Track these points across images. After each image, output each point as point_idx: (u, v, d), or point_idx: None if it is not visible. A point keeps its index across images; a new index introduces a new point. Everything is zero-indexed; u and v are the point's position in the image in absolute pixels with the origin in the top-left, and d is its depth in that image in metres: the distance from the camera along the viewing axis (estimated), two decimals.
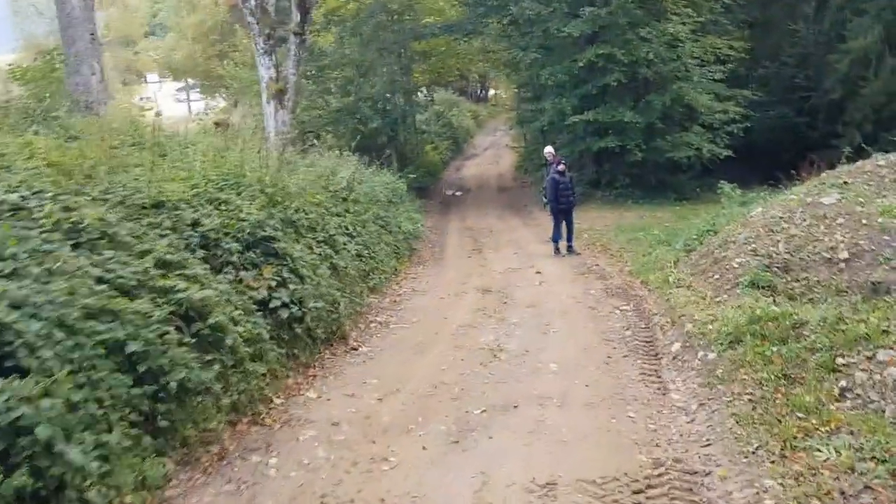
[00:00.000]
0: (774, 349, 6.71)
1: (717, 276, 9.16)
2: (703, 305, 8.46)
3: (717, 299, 8.62)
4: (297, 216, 8.98)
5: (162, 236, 6.31)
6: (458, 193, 27.28)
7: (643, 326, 8.77)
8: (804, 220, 9.44)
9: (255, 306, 6.84)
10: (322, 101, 23.16)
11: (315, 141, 19.69)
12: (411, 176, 20.29)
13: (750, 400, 6.22)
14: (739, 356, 6.82)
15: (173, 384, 4.93)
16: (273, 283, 7.20)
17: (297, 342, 7.35)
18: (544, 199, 14.60)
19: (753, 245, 9.26)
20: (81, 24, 13.87)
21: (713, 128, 22.31)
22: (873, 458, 5.09)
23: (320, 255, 8.93)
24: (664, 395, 6.77)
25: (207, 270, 6.43)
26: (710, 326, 7.56)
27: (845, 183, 10.44)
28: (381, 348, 8.34)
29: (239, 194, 8.07)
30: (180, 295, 5.49)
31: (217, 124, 19.75)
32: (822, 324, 6.85)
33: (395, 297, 11.04)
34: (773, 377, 6.33)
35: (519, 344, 8.31)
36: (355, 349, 8.21)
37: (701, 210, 20.27)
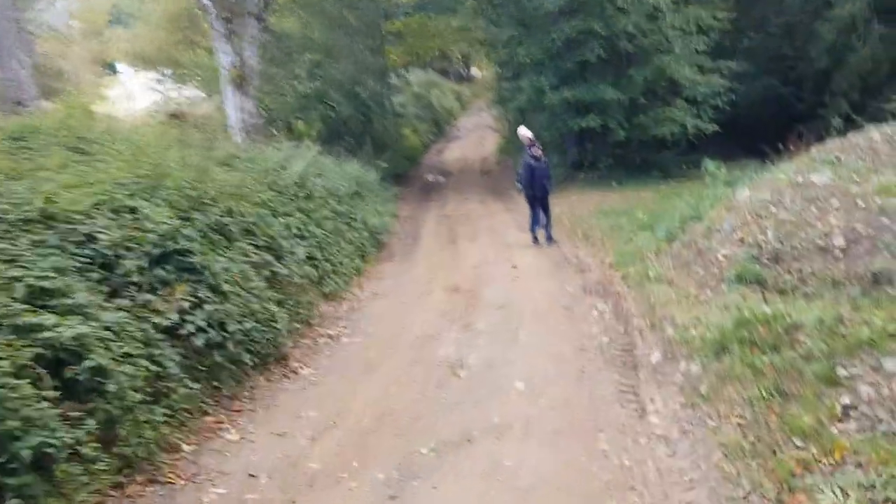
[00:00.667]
0: (766, 359, 5.77)
1: (701, 270, 8.20)
2: (686, 305, 7.50)
3: (702, 297, 7.65)
4: (229, 220, 7.96)
5: (44, 257, 5.30)
6: (439, 178, 26.22)
7: (622, 331, 7.79)
8: (794, 202, 8.45)
9: (160, 335, 5.83)
10: (290, 87, 21.99)
11: (275, 132, 18.62)
12: (383, 165, 19.21)
13: (740, 424, 5.27)
14: (726, 369, 5.88)
15: (26, 452, 3.95)
16: (187, 304, 6.19)
17: (218, 372, 6.35)
18: (519, 186, 13.59)
19: (740, 234, 8.27)
20: (3, 16, 12.73)
21: (697, 102, 21.27)
22: (887, 500, 4.17)
23: (257, 263, 7.92)
24: (642, 418, 5.81)
25: (101, 296, 5.43)
26: (694, 332, 6.61)
27: (837, 159, 9.44)
28: (327, 369, 7.35)
29: (150, 200, 7.03)
30: (48, 334, 4.49)
31: (174, 116, 18.70)
32: (818, 326, 5.92)
33: (353, 302, 10.04)
34: (765, 393, 5.39)
35: (483, 357, 7.34)
36: (296, 372, 7.21)
37: (686, 188, 19.34)
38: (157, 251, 6.40)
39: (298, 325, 8.22)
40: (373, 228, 13.44)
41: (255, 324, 6.96)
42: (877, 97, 21.53)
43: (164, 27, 34.06)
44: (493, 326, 8.32)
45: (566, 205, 17.76)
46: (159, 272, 6.30)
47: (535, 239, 13.51)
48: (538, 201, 13.37)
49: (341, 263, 10.82)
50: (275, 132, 20.74)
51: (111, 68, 52.42)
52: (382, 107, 26.04)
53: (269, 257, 8.29)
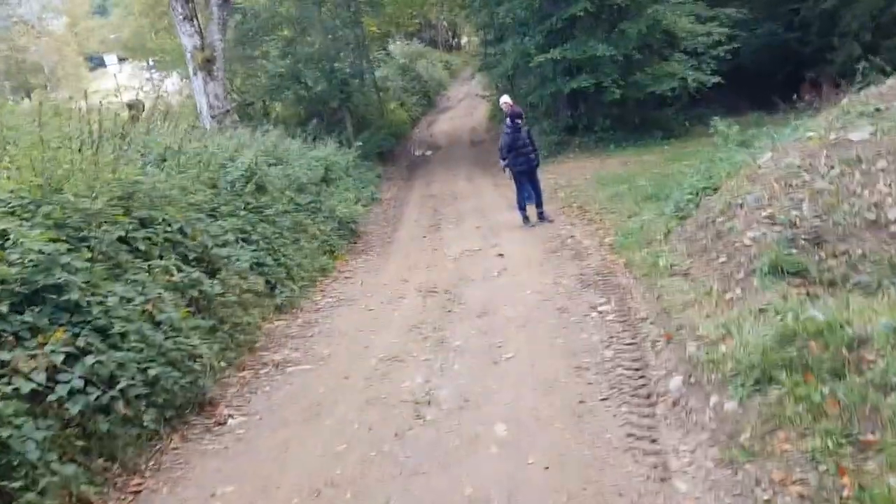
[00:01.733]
0: (825, 390, 4.18)
1: (722, 258, 6.57)
2: (709, 307, 5.89)
3: (728, 296, 6.04)
4: (144, 234, 6.39)
5: None
6: (427, 153, 24.56)
7: (628, 341, 6.19)
8: (832, 167, 6.81)
9: (22, 403, 4.29)
10: (261, 67, 20.29)
11: (250, 116, 16.98)
12: (357, 144, 17.53)
13: (802, 496, 3.71)
14: (773, 406, 4.29)
15: None
16: (60, 359, 4.63)
17: (109, 442, 4.80)
18: (502, 163, 11.93)
19: (769, 209, 6.64)
20: None
21: (697, 53, 19.51)
22: None
23: (179, 285, 6.34)
24: (664, 482, 4.24)
25: None
26: (723, 348, 5.00)
27: (877, 110, 7.76)
28: (262, 416, 5.76)
29: (31, 219, 5.46)
30: None
31: (129, 107, 17.01)
32: (891, 338, 4.35)
33: (311, 313, 8.44)
34: (831, 444, 3.82)
35: (456, 389, 5.75)
36: (222, 423, 5.64)
37: (692, 147, 17.59)
38: (23, 289, 4.84)
39: (234, 354, 6.66)
40: (344, 218, 11.82)
41: (165, 368, 5.38)
42: (890, 36, 19.75)
43: (146, 14, 32.23)
44: (471, 343, 6.73)
45: (560, 174, 16.14)
46: (26, 318, 4.74)
47: (526, 218, 11.89)
48: (524, 175, 11.74)
49: (299, 265, 9.23)
50: (248, 117, 19.11)
51: (99, 61, 50.45)
52: (363, 82, 24.31)
53: (197, 274, 6.70)
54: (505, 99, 13.77)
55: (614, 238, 9.59)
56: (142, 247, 6.27)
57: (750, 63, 22.50)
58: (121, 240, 6.14)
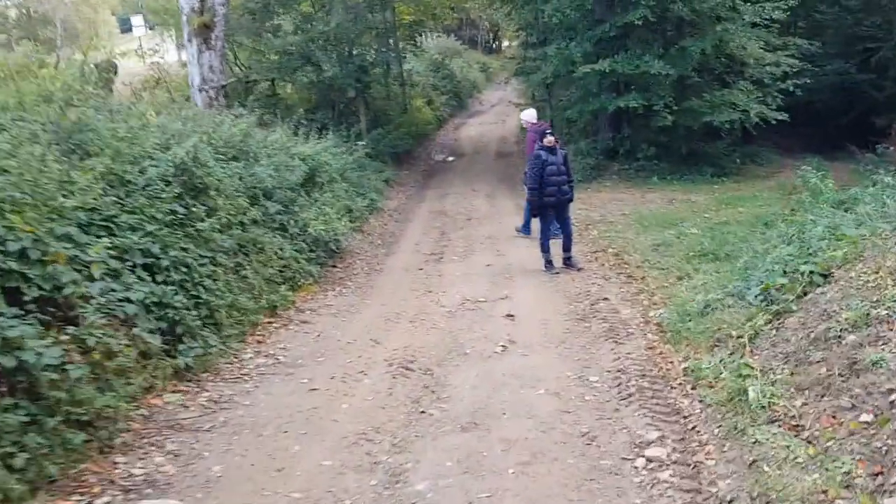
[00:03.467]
0: None
1: (865, 414, 3.91)
2: None
3: (884, 488, 3.40)
4: None
5: None
6: (449, 159, 21.95)
7: None
8: None
9: None
10: (269, 42, 17.73)
11: (224, 97, 14.44)
12: (361, 143, 14.93)
13: None
14: None
15: None
16: None
17: None
18: (529, 191, 9.31)
19: None
20: None
21: (763, 84, 16.74)
22: None
23: None
24: None
25: None
26: None
27: None
28: None
29: None
30: None
31: (98, 68, 14.58)
32: None
33: (227, 383, 5.82)
34: None
35: None
36: None
37: (746, 191, 14.91)
38: None
39: (58, 467, 4.09)
40: (319, 236, 9.21)
41: None
42: None
43: None
44: (446, 492, 4.13)
45: (594, 205, 13.49)
46: None
47: (549, 263, 9.28)
48: (553, 210, 9.13)
49: (231, 305, 6.65)
50: (240, 96, 16.57)
51: (125, 23, 47.95)
52: (387, 72, 21.72)
53: (20, 331, 4.15)
54: (529, 114, 11.19)
55: (664, 313, 6.95)
56: None
57: (814, 102, 19.75)
58: None
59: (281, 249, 8.29)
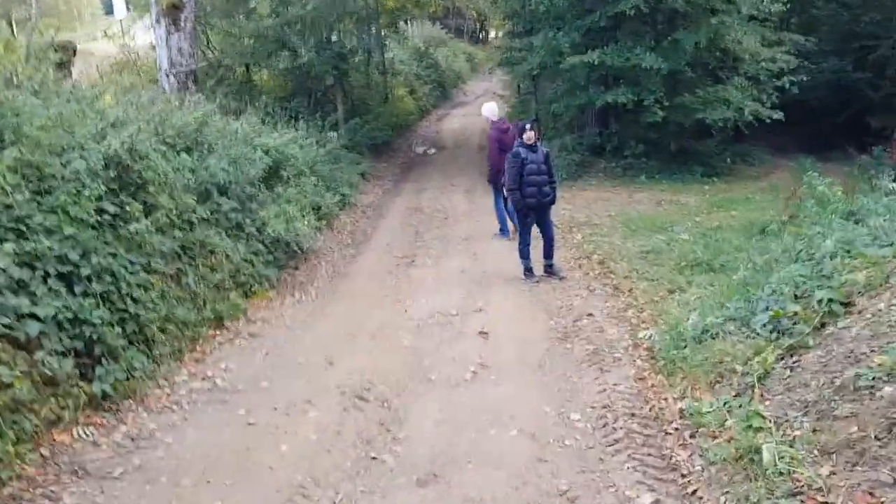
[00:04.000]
0: None
1: None
2: None
3: None
4: None
5: None
6: (429, 152, 21.06)
7: None
8: None
9: None
10: (243, 25, 16.77)
11: (194, 83, 13.53)
12: (331, 135, 14.06)
13: None
14: None
15: None
16: None
17: None
18: (510, 195, 8.49)
19: None
20: None
21: (758, 81, 16.00)
22: None
23: None
24: None
25: None
26: None
27: None
28: None
29: None
30: None
31: (56, 49, 13.61)
32: None
33: (152, 414, 4.98)
34: None
35: None
36: None
37: (737, 192, 14.17)
38: None
39: None
40: (279, 237, 8.36)
41: None
42: None
43: None
44: None
45: (579, 204, 12.73)
46: None
47: (529, 271, 8.49)
48: (533, 213, 8.32)
49: (166, 318, 5.81)
50: (192, 86, 15.61)
51: (109, 6, 46.57)
52: (367, 60, 20.80)
53: None
54: (489, 109, 10.44)
55: (654, 335, 6.18)
56: None
57: (808, 100, 19.04)
58: None
59: (233, 252, 7.43)
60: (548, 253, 8.50)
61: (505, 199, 9.90)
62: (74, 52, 14.33)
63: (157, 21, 14.96)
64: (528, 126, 8.33)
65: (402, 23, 24.50)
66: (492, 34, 49.82)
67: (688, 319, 6.08)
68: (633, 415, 4.83)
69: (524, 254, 8.47)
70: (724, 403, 4.41)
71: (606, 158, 16.36)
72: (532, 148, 8.18)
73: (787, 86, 15.60)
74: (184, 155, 7.47)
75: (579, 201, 13.08)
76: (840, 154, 16.67)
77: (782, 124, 15.63)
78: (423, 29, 32.86)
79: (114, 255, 5.53)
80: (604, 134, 16.73)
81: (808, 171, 9.31)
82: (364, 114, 18.96)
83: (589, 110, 16.79)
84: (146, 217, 6.10)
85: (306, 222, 8.94)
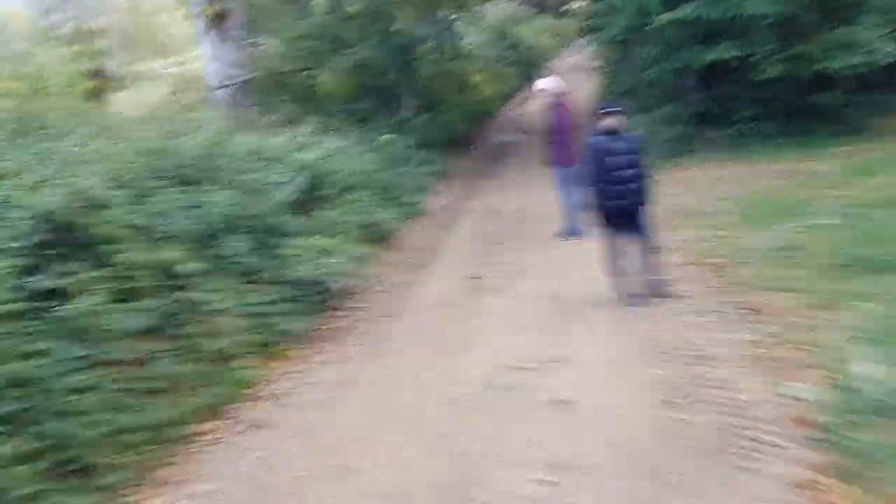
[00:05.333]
0: None
1: None
2: None
3: None
4: None
5: None
6: (511, 140, 19.10)
7: None
8: None
9: None
10: (296, 26, 15.32)
11: (244, 98, 12.17)
12: (389, 136, 12.34)
13: None
14: None
15: None
16: None
17: None
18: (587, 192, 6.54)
19: None
20: None
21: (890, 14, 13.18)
22: None
23: None
24: None
25: None
26: None
27: None
28: None
29: None
30: None
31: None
32: None
33: None
34: None
35: None
36: None
37: (884, 152, 11.53)
38: None
39: None
40: (309, 277, 6.69)
41: None
42: None
43: None
44: None
45: (681, 188, 10.58)
46: None
47: (623, 294, 6.50)
48: (623, 220, 6.32)
49: (122, 431, 4.17)
50: (266, 91, 14.30)
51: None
52: (438, 49, 18.93)
53: None
54: (546, 83, 8.53)
55: (814, 398, 4.12)
56: None
57: None
58: None
59: (241, 307, 5.81)
60: (649, 264, 6.48)
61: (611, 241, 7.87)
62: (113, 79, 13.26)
63: (204, 34, 13.81)
64: (607, 109, 6.34)
65: (476, 6, 22.35)
66: (575, 5, 46.95)
67: (863, 366, 4.03)
68: None
69: (612, 271, 6.49)
70: None
71: (712, 128, 13.93)
72: (614, 135, 6.17)
73: None
74: (171, 192, 5.90)
75: (682, 184, 10.89)
76: None
77: None
78: (501, 7, 30.68)
79: (39, 353, 3.98)
80: (708, 100, 14.29)
81: None
82: (437, 107, 17.21)
83: (687, 74, 14.40)
84: (95, 288, 4.53)
85: (348, 253, 7.23)
